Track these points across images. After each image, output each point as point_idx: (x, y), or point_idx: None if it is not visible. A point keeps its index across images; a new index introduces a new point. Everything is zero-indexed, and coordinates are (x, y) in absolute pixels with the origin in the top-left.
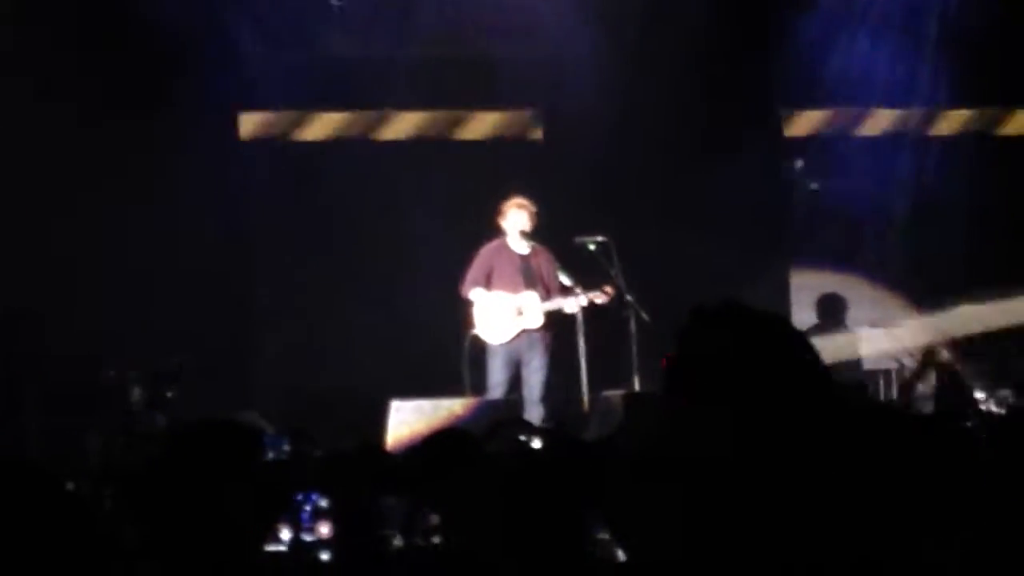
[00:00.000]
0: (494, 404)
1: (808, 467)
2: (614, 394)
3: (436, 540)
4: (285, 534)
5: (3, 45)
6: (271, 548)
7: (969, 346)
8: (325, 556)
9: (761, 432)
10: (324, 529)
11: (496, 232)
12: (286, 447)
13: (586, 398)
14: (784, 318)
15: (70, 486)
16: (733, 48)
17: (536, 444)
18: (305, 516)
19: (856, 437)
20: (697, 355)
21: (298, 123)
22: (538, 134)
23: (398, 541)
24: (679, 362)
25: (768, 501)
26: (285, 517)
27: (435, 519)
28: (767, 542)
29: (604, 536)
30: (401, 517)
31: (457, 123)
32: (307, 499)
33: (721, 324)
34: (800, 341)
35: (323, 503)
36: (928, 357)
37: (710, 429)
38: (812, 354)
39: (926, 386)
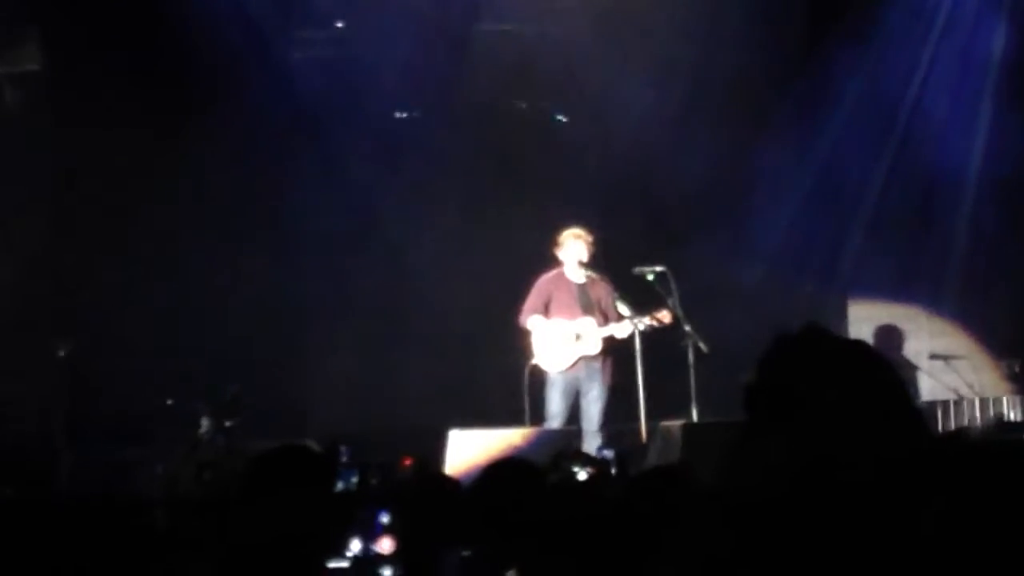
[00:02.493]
0: (552, 434)
1: (902, 499)
2: (673, 424)
3: None
4: (355, 546)
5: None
6: (333, 564)
7: None
8: (387, 573)
9: (848, 460)
10: (386, 544)
11: (554, 262)
12: (355, 479)
13: (644, 428)
14: (867, 344)
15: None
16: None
17: (583, 476)
18: (375, 529)
19: (953, 468)
20: (781, 380)
21: None
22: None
23: None
24: (762, 387)
25: (856, 541)
26: (354, 530)
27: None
28: None
29: None
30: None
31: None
32: (374, 514)
33: (805, 349)
34: (886, 367)
35: (385, 519)
36: None
37: (792, 456)
38: (899, 380)
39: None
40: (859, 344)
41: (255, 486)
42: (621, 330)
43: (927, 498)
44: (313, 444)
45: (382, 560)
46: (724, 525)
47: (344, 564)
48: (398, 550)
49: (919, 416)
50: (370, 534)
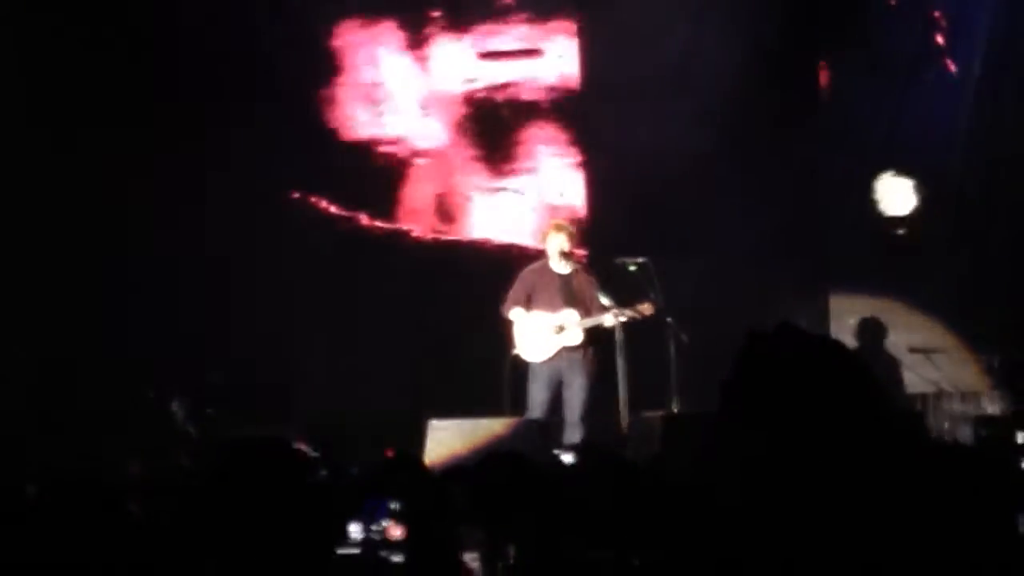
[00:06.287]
0: (534, 424)
1: (866, 495)
2: (653, 416)
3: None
4: (355, 531)
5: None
6: (343, 551)
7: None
8: (397, 559)
9: (818, 457)
10: (396, 532)
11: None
12: (323, 472)
13: (625, 419)
14: (841, 342)
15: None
16: (777, 60)
17: (567, 459)
18: (379, 515)
19: (910, 468)
20: (755, 377)
21: None
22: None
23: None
24: (737, 384)
25: (825, 532)
26: (357, 517)
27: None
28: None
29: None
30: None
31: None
32: (380, 502)
33: (779, 347)
34: (859, 365)
35: (393, 505)
36: None
37: (766, 452)
38: (872, 377)
39: None
40: (832, 342)
41: (228, 478)
42: (607, 320)
43: (902, 497)
44: (292, 435)
45: (391, 545)
46: (701, 521)
47: (354, 550)
48: (407, 536)
49: (892, 413)
50: (371, 519)
